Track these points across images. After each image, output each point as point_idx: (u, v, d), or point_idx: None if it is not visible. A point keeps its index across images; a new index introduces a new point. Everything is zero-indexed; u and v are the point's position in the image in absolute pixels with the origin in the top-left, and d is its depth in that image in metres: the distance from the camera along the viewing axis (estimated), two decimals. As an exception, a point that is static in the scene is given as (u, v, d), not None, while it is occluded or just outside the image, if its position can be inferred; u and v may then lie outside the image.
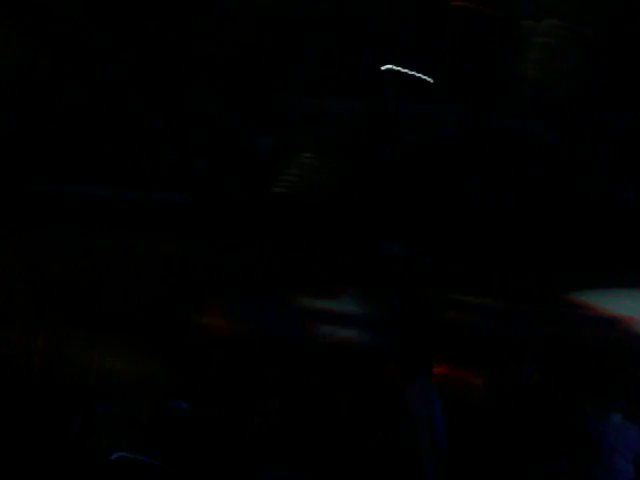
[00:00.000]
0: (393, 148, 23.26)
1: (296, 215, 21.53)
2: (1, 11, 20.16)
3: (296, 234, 20.28)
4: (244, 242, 19.23)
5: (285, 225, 21.13)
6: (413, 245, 15.82)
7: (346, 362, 10.41)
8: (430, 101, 24.72)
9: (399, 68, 25.11)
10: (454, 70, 25.38)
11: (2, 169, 14.88)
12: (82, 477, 6.07)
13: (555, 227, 19.24)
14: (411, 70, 25.37)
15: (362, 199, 21.60)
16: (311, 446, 6.59)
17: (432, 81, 24.52)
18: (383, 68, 25.16)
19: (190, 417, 6.24)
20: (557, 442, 6.72)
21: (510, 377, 8.48)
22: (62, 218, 16.58)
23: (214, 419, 7.17)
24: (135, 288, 13.21)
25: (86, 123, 25.39)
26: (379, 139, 23.61)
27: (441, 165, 22.45)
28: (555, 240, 18.75)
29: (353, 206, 21.75)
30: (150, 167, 23.82)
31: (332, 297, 14.76)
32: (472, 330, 12.07)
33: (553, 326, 12.73)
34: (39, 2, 21.73)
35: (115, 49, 27.35)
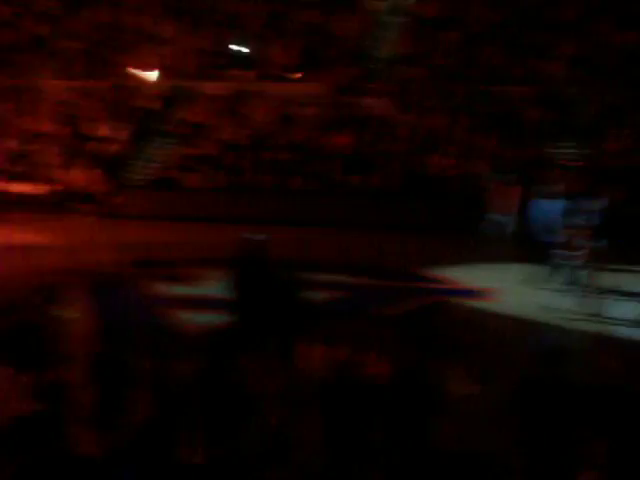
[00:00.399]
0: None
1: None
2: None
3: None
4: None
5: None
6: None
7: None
8: (289, 82, 24.84)
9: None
10: (310, 52, 25.54)
11: None
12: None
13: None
14: (264, 52, 25.42)
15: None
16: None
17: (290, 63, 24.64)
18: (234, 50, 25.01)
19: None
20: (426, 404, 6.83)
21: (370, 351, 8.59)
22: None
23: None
24: None
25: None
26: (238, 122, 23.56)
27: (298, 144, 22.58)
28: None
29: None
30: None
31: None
32: (333, 308, 12.24)
33: (411, 300, 13.07)
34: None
35: None
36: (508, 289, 13.44)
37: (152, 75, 24.57)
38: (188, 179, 21.72)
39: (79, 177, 21.78)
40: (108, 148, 22.75)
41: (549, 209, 14.26)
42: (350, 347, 8.41)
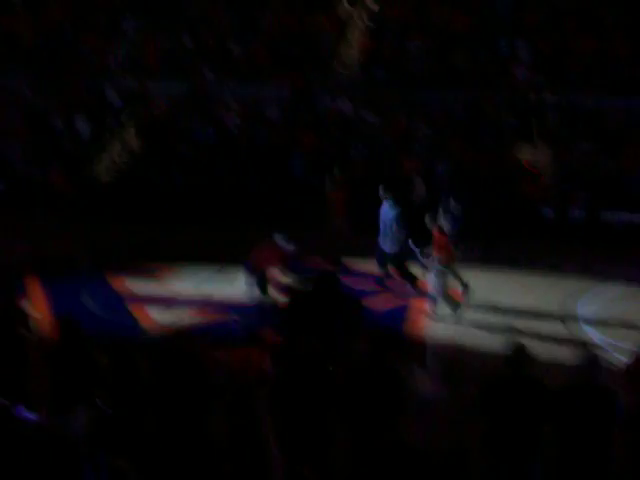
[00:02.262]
0: (215, 131, 23.14)
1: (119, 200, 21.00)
2: None
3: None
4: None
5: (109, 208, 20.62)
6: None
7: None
8: (254, 83, 24.77)
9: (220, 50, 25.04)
10: (277, 52, 25.54)
11: None
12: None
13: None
14: (234, 52, 25.34)
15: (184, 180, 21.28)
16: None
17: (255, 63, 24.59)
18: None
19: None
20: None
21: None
22: None
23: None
24: None
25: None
26: (201, 121, 23.43)
27: (265, 147, 22.54)
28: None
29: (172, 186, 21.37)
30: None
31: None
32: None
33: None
34: None
35: None
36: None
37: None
38: (152, 178, 21.51)
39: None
40: (70, 144, 22.48)
41: (384, 215, 14.38)
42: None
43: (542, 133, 21.22)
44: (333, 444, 6.93)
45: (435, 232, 13.21)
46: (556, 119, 21.51)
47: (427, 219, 13.33)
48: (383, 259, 14.17)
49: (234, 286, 14.38)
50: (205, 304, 13.67)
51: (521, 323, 12.85)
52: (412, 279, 14.14)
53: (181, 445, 6.67)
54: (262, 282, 12.57)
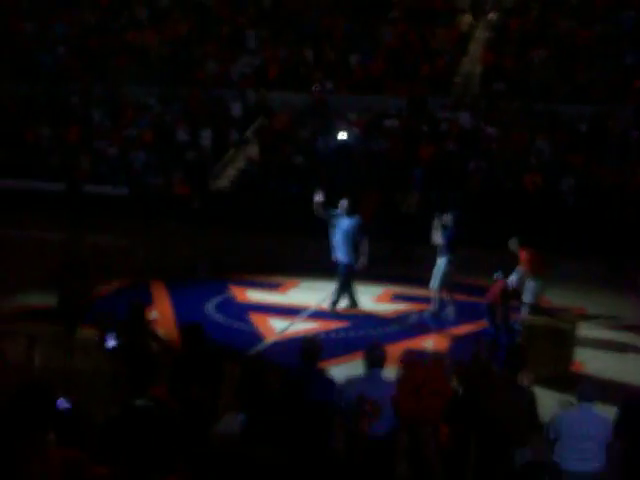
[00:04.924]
0: (334, 140, 23.26)
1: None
2: None
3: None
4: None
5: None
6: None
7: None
8: (373, 95, 24.82)
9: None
10: (396, 65, 25.54)
11: None
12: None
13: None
14: (353, 64, 25.50)
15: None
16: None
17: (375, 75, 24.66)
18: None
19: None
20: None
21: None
22: None
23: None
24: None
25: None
26: (322, 130, 23.60)
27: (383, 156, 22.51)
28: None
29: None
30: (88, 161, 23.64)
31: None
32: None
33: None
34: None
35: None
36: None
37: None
38: (269, 186, 21.78)
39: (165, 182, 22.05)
40: (190, 153, 23.02)
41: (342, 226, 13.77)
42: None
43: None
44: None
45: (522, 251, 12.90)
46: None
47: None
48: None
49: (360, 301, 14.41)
50: (329, 318, 13.74)
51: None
52: (344, 296, 13.91)
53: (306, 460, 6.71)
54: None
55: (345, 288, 13.87)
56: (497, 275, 12.59)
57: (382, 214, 18.93)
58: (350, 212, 13.75)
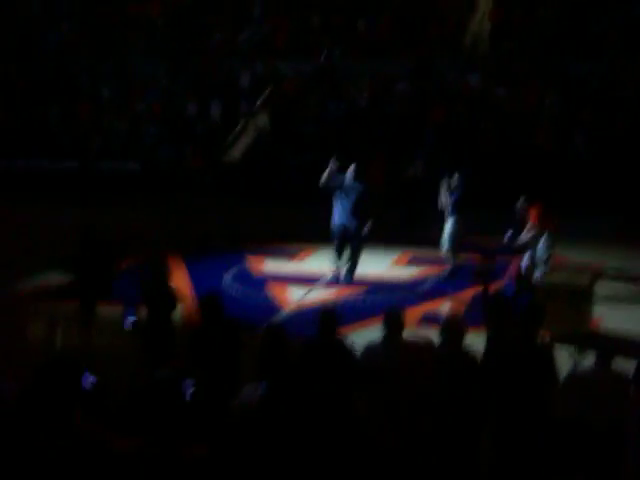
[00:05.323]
0: (344, 106, 23.19)
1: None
2: None
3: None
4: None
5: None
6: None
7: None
8: (382, 59, 24.66)
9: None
10: (405, 27, 25.31)
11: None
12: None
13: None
14: (358, 28, 25.27)
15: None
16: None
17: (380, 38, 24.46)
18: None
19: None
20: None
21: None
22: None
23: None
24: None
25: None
26: (330, 97, 23.50)
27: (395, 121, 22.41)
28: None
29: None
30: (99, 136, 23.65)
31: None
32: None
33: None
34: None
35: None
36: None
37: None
38: (281, 155, 21.74)
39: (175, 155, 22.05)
40: (201, 125, 22.98)
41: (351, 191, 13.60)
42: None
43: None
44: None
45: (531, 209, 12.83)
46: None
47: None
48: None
49: (373, 267, 14.45)
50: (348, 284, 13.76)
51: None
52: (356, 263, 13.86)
53: (327, 426, 6.74)
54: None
55: (341, 249, 13.82)
56: (508, 235, 12.61)
57: (390, 179, 18.93)
58: (358, 177, 13.71)
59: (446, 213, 13.91)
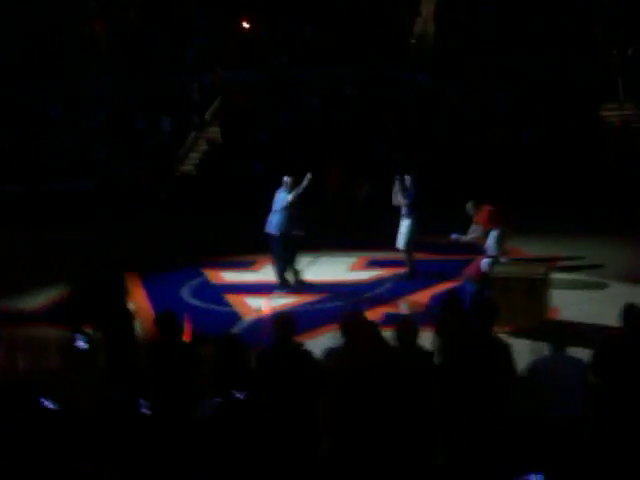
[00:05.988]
0: (296, 115, 23.20)
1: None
2: None
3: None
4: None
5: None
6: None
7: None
8: (330, 64, 24.70)
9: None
10: (347, 31, 25.40)
11: None
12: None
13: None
14: (307, 34, 25.31)
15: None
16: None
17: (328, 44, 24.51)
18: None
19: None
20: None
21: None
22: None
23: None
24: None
25: None
26: (282, 105, 23.49)
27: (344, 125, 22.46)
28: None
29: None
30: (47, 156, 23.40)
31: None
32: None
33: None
34: None
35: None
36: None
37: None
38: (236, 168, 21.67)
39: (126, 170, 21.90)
40: (152, 140, 22.86)
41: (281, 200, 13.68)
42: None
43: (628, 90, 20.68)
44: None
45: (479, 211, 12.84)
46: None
47: None
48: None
49: (331, 272, 14.53)
50: (303, 290, 13.76)
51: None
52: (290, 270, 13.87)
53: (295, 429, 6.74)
54: None
55: (284, 259, 13.76)
56: (454, 236, 12.64)
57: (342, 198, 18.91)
58: (291, 188, 13.58)
59: (402, 213, 13.99)
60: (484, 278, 11.73)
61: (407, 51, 23.85)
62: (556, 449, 6.59)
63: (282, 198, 13.60)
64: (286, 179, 13.72)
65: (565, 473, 6.31)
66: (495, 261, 12.09)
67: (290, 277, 13.83)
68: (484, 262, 12.09)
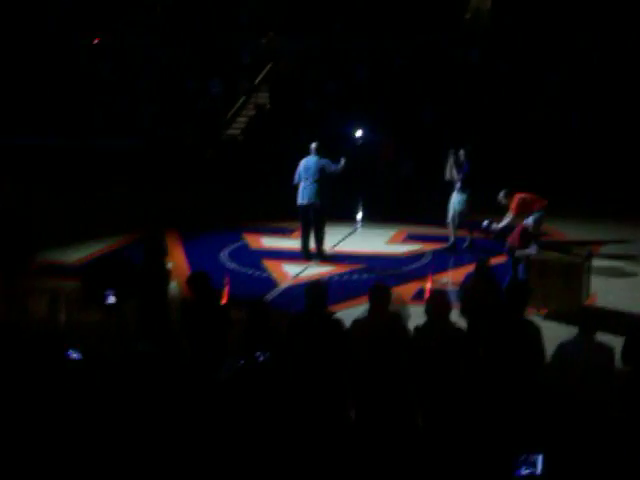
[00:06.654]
0: (344, 84, 23.08)
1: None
2: None
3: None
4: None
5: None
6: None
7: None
8: (383, 35, 24.50)
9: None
10: (405, 3, 25.15)
11: None
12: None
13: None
14: (362, 5, 25.11)
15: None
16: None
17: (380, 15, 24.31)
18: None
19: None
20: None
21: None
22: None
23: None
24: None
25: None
26: (330, 76, 23.39)
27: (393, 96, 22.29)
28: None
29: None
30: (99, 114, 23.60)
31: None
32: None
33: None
34: None
35: None
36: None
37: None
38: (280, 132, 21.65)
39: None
40: (200, 101, 22.91)
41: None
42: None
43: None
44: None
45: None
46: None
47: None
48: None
49: (369, 244, 14.53)
50: (341, 260, 13.78)
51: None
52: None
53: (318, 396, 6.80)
54: None
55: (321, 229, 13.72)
56: (485, 223, 12.51)
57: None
58: (319, 153, 13.53)
59: (455, 187, 13.91)
60: (527, 235, 11.54)
61: (460, 25, 23.57)
62: (569, 430, 6.56)
63: (313, 162, 13.44)
64: (313, 145, 13.70)
65: (574, 457, 6.28)
66: (540, 218, 11.99)
67: (321, 247, 13.83)
68: (528, 220, 11.94)
